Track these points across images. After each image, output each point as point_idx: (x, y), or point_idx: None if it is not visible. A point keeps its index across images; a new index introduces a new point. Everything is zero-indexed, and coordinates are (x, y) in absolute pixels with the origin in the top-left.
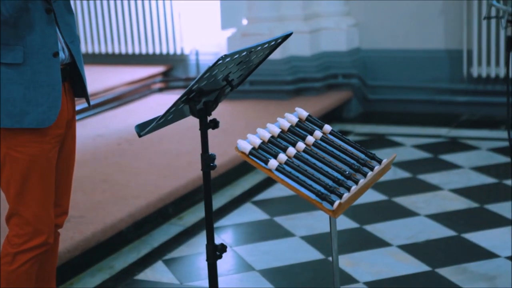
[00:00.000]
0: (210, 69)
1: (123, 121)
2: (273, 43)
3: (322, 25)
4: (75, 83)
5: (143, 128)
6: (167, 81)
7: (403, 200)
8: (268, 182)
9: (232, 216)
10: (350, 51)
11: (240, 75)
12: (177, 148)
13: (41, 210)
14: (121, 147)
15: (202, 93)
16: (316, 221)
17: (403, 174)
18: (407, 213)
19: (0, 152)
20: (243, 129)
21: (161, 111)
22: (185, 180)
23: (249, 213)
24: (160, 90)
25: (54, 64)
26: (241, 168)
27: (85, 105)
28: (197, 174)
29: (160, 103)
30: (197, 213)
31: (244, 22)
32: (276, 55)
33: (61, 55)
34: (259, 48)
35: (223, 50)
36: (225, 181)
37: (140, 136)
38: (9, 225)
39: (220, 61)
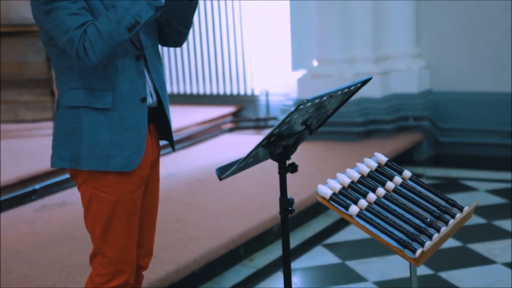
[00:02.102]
0: (291, 114)
1: (194, 161)
2: (352, 88)
3: (393, 67)
4: (160, 126)
5: (223, 172)
6: (237, 121)
7: (479, 247)
8: (339, 225)
9: (303, 259)
10: (421, 93)
11: (319, 119)
12: (248, 189)
13: (124, 250)
14: (193, 187)
15: (281, 137)
16: (388, 266)
17: (478, 220)
18: (484, 260)
19: (87, 192)
20: (313, 170)
21: (231, 152)
22: (256, 221)
23: (320, 256)
24: (230, 130)
25: (141, 109)
26: (312, 210)
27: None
28: (269, 216)
29: (230, 143)
30: (268, 255)
31: (315, 63)
32: None
33: (149, 100)
34: (339, 92)
35: (293, 91)
36: (296, 223)
37: (220, 179)
38: (92, 264)
39: (301, 106)
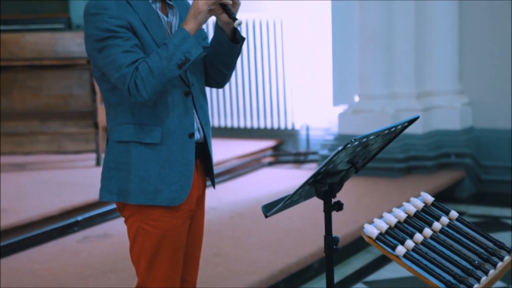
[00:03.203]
0: (339, 152)
1: (234, 195)
2: (399, 127)
3: (435, 103)
4: (204, 162)
5: (269, 209)
6: (277, 155)
7: None
8: (380, 262)
9: None
10: (463, 130)
11: (365, 158)
12: (288, 224)
13: (168, 284)
14: (233, 220)
15: (327, 175)
16: None
17: None
18: None
19: (133, 225)
20: (354, 206)
21: (271, 186)
22: (297, 257)
23: None
24: (270, 164)
25: (189, 145)
26: (352, 246)
27: None
28: (309, 252)
29: (270, 177)
30: None
31: (356, 98)
32: None
33: (197, 135)
34: (386, 131)
35: (334, 126)
36: (336, 259)
37: (266, 216)
38: None
39: (349, 145)
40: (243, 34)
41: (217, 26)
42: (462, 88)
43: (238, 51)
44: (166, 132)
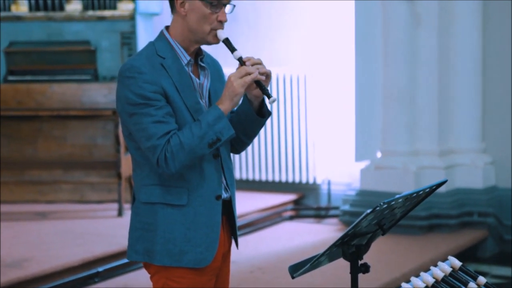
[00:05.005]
0: (367, 215)
1: (255, 248)
2: (427, 190)
3: (457, 161)
4: (229, 219)
5: (296, 270)
6: (298, 209)
7: None
8: None
9: None
10: (486, 189)
11: (392, 220)
12: (309, 281)
13: None
14: (254, 275)
15: (355, 237)
16: None
17: None
18: None
19: (159, 282)
20: (375, 264)
21: (292, 240)
22: None
23: None
24: (291, 218)
25: (215, 207)
26: None
27: None
28: None
29: (291, 231)
30: None
31: (378, 154)
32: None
33: (224, 195)
34: (414, 195)
35: (356, 181)
36: None
37: (293, 277)
38: None
39: (378, 208)
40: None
41: (245, 97)
42: (485, 147)
43: (263, 124)
44: (193, 194)
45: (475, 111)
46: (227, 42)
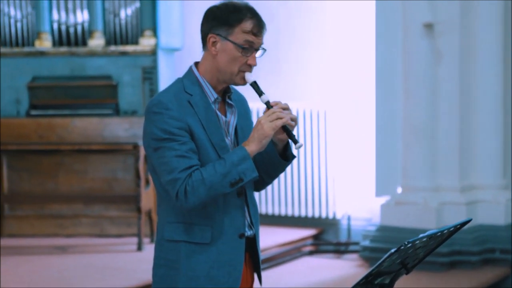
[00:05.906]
0: (392, 255)
1: (275, 283)
2: (452, 229)
3: (479, 198)
4: (253, 256)
5: None
6: (318, 244)
7: None
8: None
9: None
10: (508, 225)
11: (415, 259)
12: None
13: None
14: None
15: (378, 275)
16: None
17: None
18: None
19: None
20: None
21: (312, 275)
22: None
23: None
24: (311, 253)
25: (239, 245)
26: None
27: None
28: None
29: (310, 266)
30: None
31: (399, 190)
32: (431, 226)
33: (248, 233)
34: (438, 234)
35: (376, 217)
36: None
37: None
38: None
39: (402, 247)
40: None
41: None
42: (507, 183)
43: (286, 166)
44: (217, 232)
45: (497, 147)
46: (255, 85)
